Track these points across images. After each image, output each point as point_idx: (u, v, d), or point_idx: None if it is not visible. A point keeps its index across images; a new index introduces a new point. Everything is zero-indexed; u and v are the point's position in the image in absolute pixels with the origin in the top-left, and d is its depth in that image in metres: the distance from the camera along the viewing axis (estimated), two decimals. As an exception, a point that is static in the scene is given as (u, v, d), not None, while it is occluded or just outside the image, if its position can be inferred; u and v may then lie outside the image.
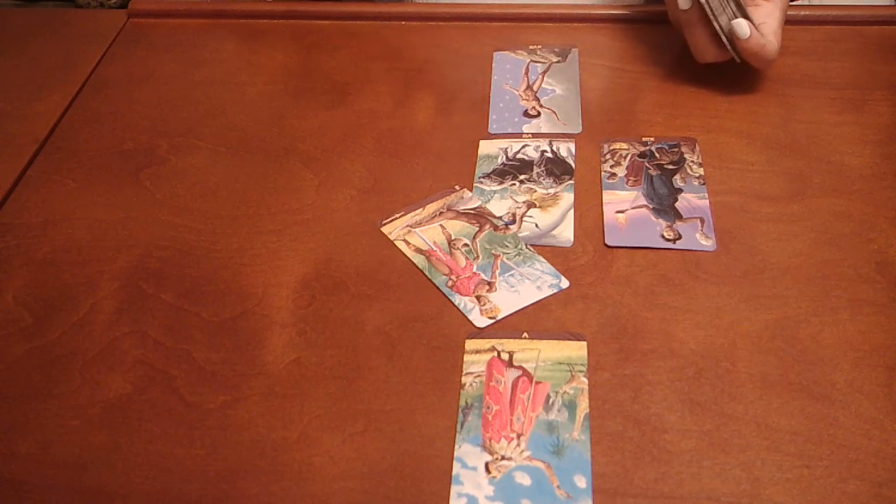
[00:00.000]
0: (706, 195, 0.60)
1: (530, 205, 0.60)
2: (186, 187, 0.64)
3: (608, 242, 0.57)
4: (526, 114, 0.68)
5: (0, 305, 0.57)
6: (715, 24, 0.64)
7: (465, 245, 0.58)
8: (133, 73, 0.76)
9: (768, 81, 0.69)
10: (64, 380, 0.52)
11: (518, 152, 0.65)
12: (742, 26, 0.63)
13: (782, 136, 0.64)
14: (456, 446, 0.47)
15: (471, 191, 0.62)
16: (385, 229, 0.60)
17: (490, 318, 0.53)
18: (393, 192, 0.62)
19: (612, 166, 0.63)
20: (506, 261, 0.57)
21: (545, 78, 0.72)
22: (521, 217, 0.60)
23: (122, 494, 0.47)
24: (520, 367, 0.50)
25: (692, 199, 0.60)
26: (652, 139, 0.65)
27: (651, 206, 0.59)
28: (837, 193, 0.60)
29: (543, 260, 0.56)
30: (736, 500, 0.44)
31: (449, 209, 0.61)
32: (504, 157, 0.64)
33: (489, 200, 0.61)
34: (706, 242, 0.57)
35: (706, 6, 0.63)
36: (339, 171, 0.65)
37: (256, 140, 0.68)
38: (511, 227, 0.59)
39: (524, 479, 0.46)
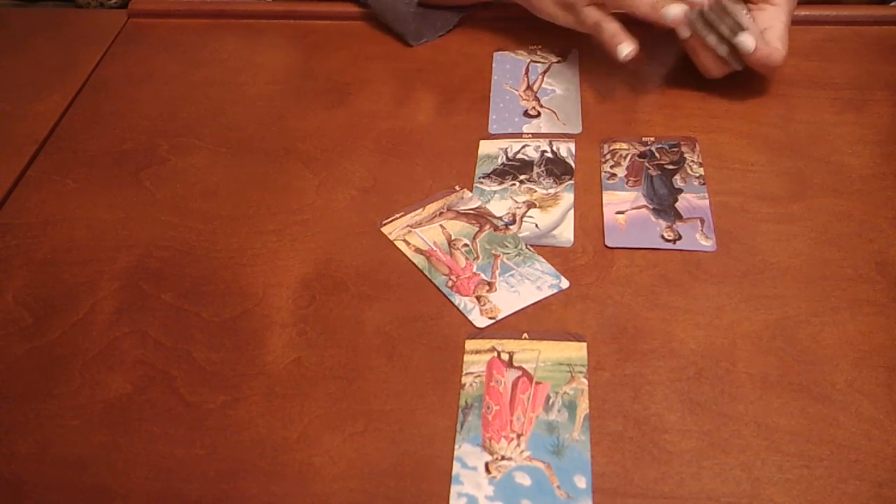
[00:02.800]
0: (706, 195, 0.60)
1: (530, 205, 0.60)
2: (186, 187, 0.64)
3: (608, 243, 0.57)
4: (526, 114, 0.68)
5: (0, 305, 0.57)
6: (711, 39, 0.64)
7: (465, 245, 0.58)
8: (133, 73, 0.76)
9: (768, 81, 0.69)
10: (64, 380, 0.52)
11: (518, 152, 0.65)
12: (746, 42, 0.63)
13: (782, 136, 0.64)
14: (456, 446, 0.47)
15: (471, 191, 0.62)
16: (385, 229, 0.60)
17: (490, 318, 0.53)
18: (393, 192, 0.62)
19: (612, 166, 0.63)
20: (506, 261, 0.57)
21: (545, 78, 0.72)
22: (521, 217, 0.60)
23: (122, 494, 0.47)
24: (520, 368, 0.50)
25: (692, 200, 0.60)
26: (652, 139, 0.65)
27: (651, 207, 0.59)
28: (837, 193, 0.60)
29: (543, 260, 0.56)
30: (736, 500, 0.44)
31: (449, 209, 0.61)
32: (504, 158, 0.64)
33: (489, 200, 0.61)
34: (706, 242, 0.57)
35: (698, 27, 0.63)
36: (339, 171, 0.65)
37: (256, 140, 0.68)
38: (511, 227, 0.59)
39: (524, 479, 0.46)
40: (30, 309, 0.56)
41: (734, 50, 0.64)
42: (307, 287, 0.56)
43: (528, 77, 0.72)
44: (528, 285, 0.55)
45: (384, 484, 0.46)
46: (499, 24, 0.78)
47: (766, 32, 0.65)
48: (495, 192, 0.62)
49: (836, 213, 0.58)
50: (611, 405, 0.49)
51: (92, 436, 0.49)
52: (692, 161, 0.63)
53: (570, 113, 0.68)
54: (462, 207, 0.61)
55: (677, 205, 0.59)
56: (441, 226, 0.60)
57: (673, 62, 0.72)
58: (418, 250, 0.58)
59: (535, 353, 0.51)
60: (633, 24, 0.75)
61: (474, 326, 0.53)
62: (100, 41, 0.80)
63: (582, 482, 0.45)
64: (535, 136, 0.66)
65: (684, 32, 0.64)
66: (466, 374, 0.50)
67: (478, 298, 0.54)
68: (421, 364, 0.51)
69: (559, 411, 0.48)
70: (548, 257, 0.57)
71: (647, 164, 0.63)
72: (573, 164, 0.63)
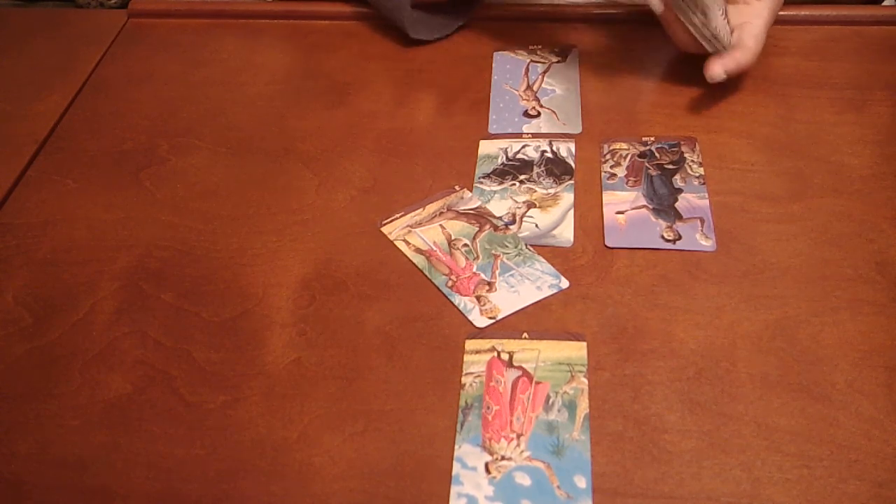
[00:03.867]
0: (706, 195, 0.60)
1: (530, 205, 0.60)
2: (186, 187, 0.64)
3: (608, 243, 0.57)
4: (526, 114, 0.68)
5: (0, 305, 0.57)
6: (687, 23, 0.64)
7: (465, 245, 0.58)
8: (133, 73, 0.76)
9: (768, 81, 0.69)
10: (64, 380, 0.52)
11: (518, 152, 0.65)
12: (714, 67, 0.64)
13: (782, 136, 0.64)
14: (456, 446, 0.47)
15: (471, 191, 0.62)
16: (385, 229, 0.60)
17: (490, 318, 0.53)
18: (393, 192, 0.62)
19: (612, 166, 0.63)
20: (506, 261, 0.57)
21: (545, 78, 0.72)
22: (521, 217, 0.60)
23: (122, 494, 0.47)
24: (520, 368, 0.50)
25: (692, 199, 0.60)
26: (652, 139, 0.65)
27: (651, 207, 0.59)
28: (837, 193, 0.60)
29: (543, 260, 0.56)
30: (736, 500, 0.44)
31: (449, 209, 0.61)
32: (504, 157, 0.64)
33: (489, 200, 0.61)
34: (706, 242, 0.57)
35: (683, 6, 0.64)
36: (339, 171, 0.65)
37: (256, 140, 0.68)
38: (511, 227, 0.59)
39: (524, 480, 0.46)
40: (30, 309, 0.56)
41: (709, 38, 0.64)
42: (307, 287, 0.56)
43: (528, 77, 0.72)
44: (528, 285, 0.55)
45: (384, 484, 0.46)
46: (499, 24, 0.78)
47: (743, 27, 0.65)
48: (495, 192, 0.62)
49: (836, 213, 0.58)
50: (611, 405, 0.49)
51: (92, 436, 0.49)
52: (692, 161, 0.63)
53: (570, 113, 0.68)
54: (462, 207, 0.61)
55: (677, 205, 0.59)
56: (441, 226, 0.60)
57: (673, 62, 0.72)
58: (418, 250, 0.58)
59: (535, 353, 0.51)
60: (634, 22, 0.76)
61: (474, 326, 0.53)
62: (100, 41, 0.80)
63: (582, 482, 0.45)
64: (535, 136, 0.66)
65: (658, 7, 0.65)
66: (466, 374, 0.50)
67: (478, 298, 0.54)
68: (421, 364, 0.51)
69: (559, 411, 0.48)
70: (548, 257, 0.57)
71: (647, 164, 0.63)
72: (573, 164, 0.63)
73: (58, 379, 0.52)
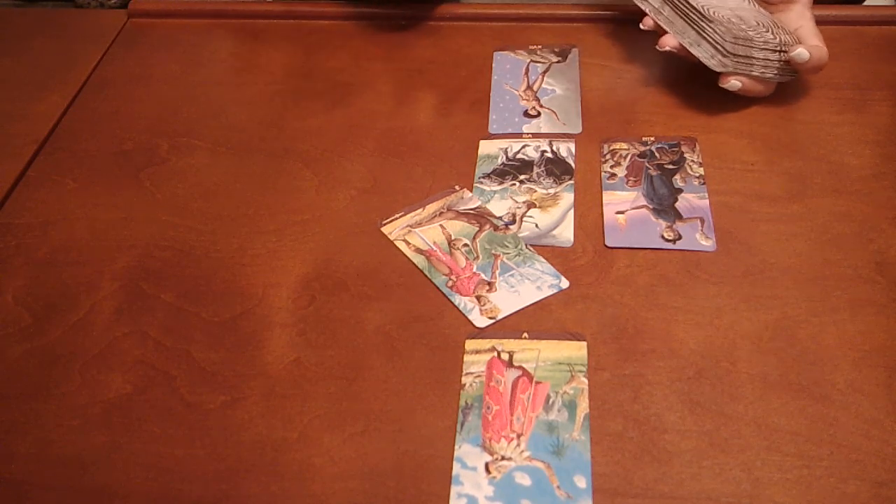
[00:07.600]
0: (706, 195, 0.60)
1: (530, 205, 0.60)
2: (186, 187, 0.64)
3: (608, 243, 0.57)
4: (526, 114, 0.68)
5: (0, 305, 0.57)
6: (756, 70, 0.64)
7: (465, 245, 0.58)
8: (133, 73, 0.76)
9: (768, 81, 0.69)
10: (64, 380, 0.52)
11: (518, 152, 0.65)
12: (801, 54, 0.63)
13: (782, 136, 0.64)
14: (456, 446, 0.47)
15: (471, 191, 0.62)
16: (385, 229, 0.60)
17: (490, 318, 0.53)
18: (393, 192, 0.62)
19: (612, 166, 0.63)
20: (506, 261, 0.57)
21: (545, 78, 0.72)
22: (521, 217, 0.60)
23: (122, 494, 0.47)
24: (520, 367, 0.50)
25: (692, 199, 0.60)
26: (652, 139, 0.65)
27: (651, 207, 0.59)
28: (837, 193, 0.60)
29: (543, 260, 0.56)
30: (736, 500, 0.44)
31: (449, 209, 0.61)
32: (504, 157, 0.64)
33: (489, 200, 0.61)
34: (706, 242, 0.57)
35: (741, 67, 0.64)
36: (339, 171, 0.65)
37: (256, 140, 0.68)
38: (511, 227, 0.59)
39: (524, 480, 0.46)
40: (30, 309, 0.56)
41: (782, 67, 0.64)
42: (307, 287, 0.56)
43: (528, 77, 0.72)
44: (528, 285, 0.55)
45: (384, 484, 0.46)
46: (499, 24, 0.78)
47: (798, 32, 0.65)
48: (495, 192, 0.62)
49: (836, 213, 0.58)
50: (611, 405, 0.49)
51: (92, 436, 0.49)
52: (692, 161, 0.63)
53: (570, 113, 0.68)
54: (462, 207, 0.61)
55: (677, 205, 0.59)
56: (441, 226, 0.60)
57: (673, 62, 0.72)
58: (418, 250, 0.58)
59: (535, 353, 0.51)
60: (634, 22, 0.76)
61: (474, 326, 0.53)
62: (100, 41, 0.80)
63: (582, 482, 0.45)
64: (535, 136, 0.66)
65: (735, 85, 0.64)
66: (466, 374, 0.50)
67: (478, 298, 0.54)
68: (421, 364, 0.51)
69: (559, 411, 0.48)
70: (548, 257, 0.57)
71: (647, 164, 0.63)
72: (573, 164, 0.63)
73: (58, 379, 0.52)
